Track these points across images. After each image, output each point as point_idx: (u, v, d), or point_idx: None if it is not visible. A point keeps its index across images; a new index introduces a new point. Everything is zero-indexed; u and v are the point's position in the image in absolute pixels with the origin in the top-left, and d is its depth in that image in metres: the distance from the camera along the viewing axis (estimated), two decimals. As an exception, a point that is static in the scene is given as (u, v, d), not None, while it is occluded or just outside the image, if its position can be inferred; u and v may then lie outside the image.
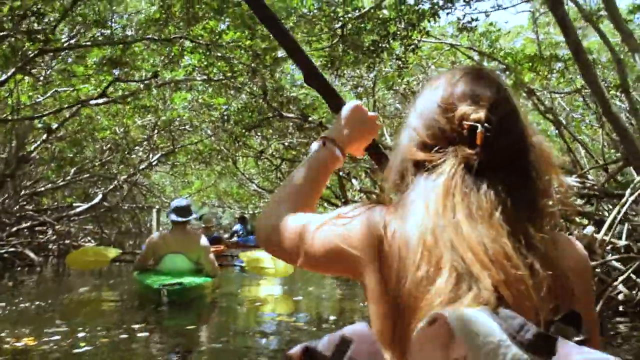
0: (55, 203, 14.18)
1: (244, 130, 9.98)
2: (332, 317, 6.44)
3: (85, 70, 9.88)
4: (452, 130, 0.91)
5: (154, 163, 13.40)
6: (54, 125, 10.66)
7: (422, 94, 1.00)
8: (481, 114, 0.89)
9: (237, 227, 16.28)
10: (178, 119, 11.35)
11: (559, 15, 6.18)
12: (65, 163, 14.39)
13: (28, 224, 11.05)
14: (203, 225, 12.91)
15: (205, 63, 9.39)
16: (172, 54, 9.64)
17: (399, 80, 9.80)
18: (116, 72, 10.68)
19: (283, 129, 12.24)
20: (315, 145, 1.18)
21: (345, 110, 1.20)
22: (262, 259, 7.52)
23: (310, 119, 8.37)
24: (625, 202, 6.11)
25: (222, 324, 6.07)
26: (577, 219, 6.72)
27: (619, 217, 6.06)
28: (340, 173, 12.12)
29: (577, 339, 0.73)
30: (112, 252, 8.34)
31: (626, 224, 6.58)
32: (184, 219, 6.89)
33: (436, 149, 0.92)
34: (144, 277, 6.64)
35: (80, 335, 5.03)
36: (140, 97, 10.60)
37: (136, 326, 5.41)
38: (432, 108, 0.96)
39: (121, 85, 10.88)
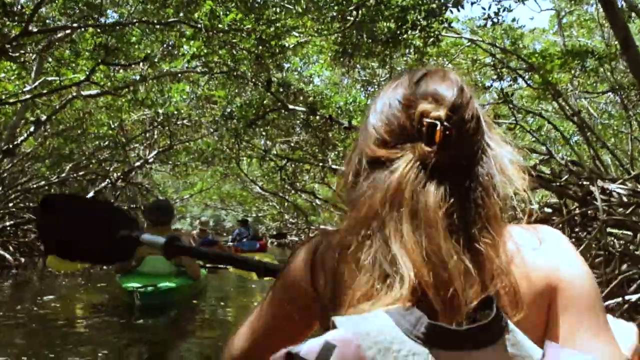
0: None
1: (246, 127, 9.17)
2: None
3: (76, 59, 9.15)
4: (411, 127, 0.90)
5: (150, 160, 12.56)
6: (43, 117, 9.90)
7: (383, 93, 0.99)
8: (442, 112, 0.88)
9: (238, 230, 16.04)
10: (176, 113, 10.52)
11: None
12: (60, 160, 13.69)
13: (12, 222, 10.24)
14: (199, 228, 12.50)
15: (206, 51, 8.62)
16: (171, 40, 8.88)
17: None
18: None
19: (288, 128, 11.48)
20: None
21: None
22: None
23: (318, 112, 7.52)
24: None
25: (196, 329, 5.76)
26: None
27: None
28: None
29: (486, 320, 0.74)
30: None
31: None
32: (161, 219, 6.68)
33: (394, 145, 0.91)
34: (123, 279, 6.44)
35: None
36: (136, 90, 9.83)
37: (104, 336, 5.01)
38: (392, 105, 0.94)
39: (116, 77, 10.13)
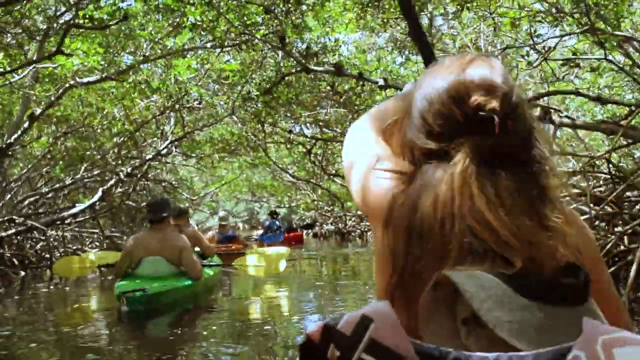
0: (55, 206, 12.32)
1: (262, 95, 7.90)
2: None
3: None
4: (465, 120, 0.90)
5: (163, 152, 11.38)
6: (37, 111, 8.80)
7: (429, 80, 0.97)
8: (495, 103, 0.89)
9: (269, 223, 15.32)
10: (184, 93, 9.27)
11: None
12: (74, 160, 12.71)
13: (14, 230, 9.21)
14: (218, 224, 11.56)
15: (210, 17, 7.35)
16: (174, 13, 7.64)
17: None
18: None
19: (313, 102, 10.19)
20: None
21: None
22: (253, 256, 7.28)
23: (345, 72, 6.12)
24: None
25: (196, 333, 5.18)
26: None
27: None
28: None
29: (577, 283, 0.78)
30: (103, 258, 7.52)
31: None
32: (160, 216, 6.31)
33: (448, 137, 0.91)
34: (118, 283, 6.10)
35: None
36: (136, 71, 8.66)
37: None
38: (442, 96, 0.93)
39: (117, 61, 8.97)
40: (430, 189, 0.88)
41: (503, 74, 0.92)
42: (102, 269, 7.67)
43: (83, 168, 13.51)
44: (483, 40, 9.90)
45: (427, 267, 0.83)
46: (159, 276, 6.13)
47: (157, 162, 14.33)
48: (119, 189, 14.34)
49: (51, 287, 8.74)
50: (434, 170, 0.89)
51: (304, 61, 6.22)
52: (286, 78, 10.27)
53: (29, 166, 14.15)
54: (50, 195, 13.98)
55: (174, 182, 19.89)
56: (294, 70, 6.96)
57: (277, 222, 16.12)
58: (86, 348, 4.57)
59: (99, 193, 10.63)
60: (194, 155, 16.43)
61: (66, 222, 10.65)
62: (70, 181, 12.67)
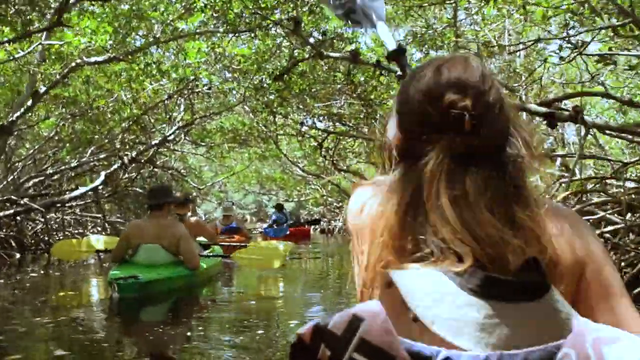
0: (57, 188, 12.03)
1: (274, 81, 7.54)
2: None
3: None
4: (439, 118, 0.91)
5: (170, 137, 11.06)
6: (42, 89, 8.52)
7: (408, 82, 0.98)
8: (467, 102, 0.90)
9: (276, 216, 15.09)
10: (193, 78, 8.93)
11: None
12: (82, 143, 12.45)
13: (11, 211, 8.94)
14: (222, 215, 11.37)
15: (221, 2, 7.02)
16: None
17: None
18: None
19: (327, 94, 9.82)
20: None
21: None
22: (252, 248, 7.13)
23: (362, 59, 5.74)
24: None
25: (190, 324, 5.04)
26: None
27: None
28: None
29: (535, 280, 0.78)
30: (103, 243, 7.33)
31: None
32: (157, 203, 6.16)
33: (422, 137, 0.92)
34: (114, 269, 6.01)
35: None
36: (145, 52, 8.35)
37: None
38: (418, 96, 0.95)
39: (125, 41, 8.66)
40: (400, 188, 0.91)
41: (481, 74, 0.93)
42: (101, 254, 7.54)
43: (90, 151, 13.30)
44: (507, 38, 9.50)
45: (387, 266, 0.85)
46: (155, 264, 5.98)
47: (165, 149, 14.01)
48: (127, 175, 14.16)
49: (49, 270, 8.57)
50: (407, 170, 0.92)
51: (318, 47, 5.86)
52: (300, 68, 9.94)
53: (36, 147, 13.99)
54: (56, 177, 13.79)
55: (182, 171, 19.64)
56: (307, 56, 6.59)
57: (282, 216, 15.85)
58: (72, 334, 4.49)
59: (102, 177, 10.36)
60: (203, 144, 16.20)
61: (67, 205, 10.36)
62: (76, 164, 12.40)
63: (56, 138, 13.48)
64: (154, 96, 9.89)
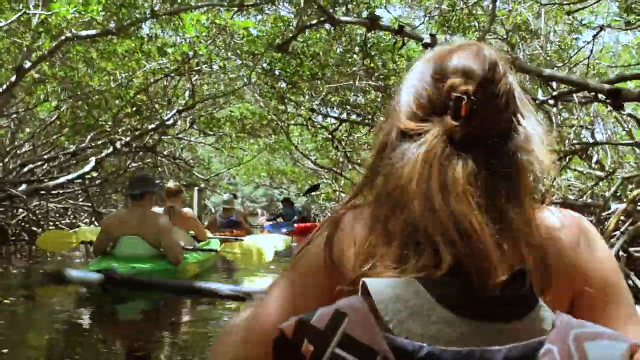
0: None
1: (277, 51, 6.72)
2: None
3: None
4: (439, 101, 0.90)
5: (169, 122, 10.24)
6: (27, 64, 7.75)
7: (415, 67, 0.99)
8: (470, 86, 0.89)
9: (284, 210, 14.53)
10: (191, 53, 8.07)
11: None
12: (83, 128, 11.70)
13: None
14: (222, 207, 10.96)
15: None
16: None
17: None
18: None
19: (341, 80, 8.99)
20: None
21: None
22: (241, 243, 6.83)
23: (381, 24, 4.85)
24: None
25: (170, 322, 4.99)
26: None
27: None
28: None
29: (521, 292, 0.75)
30: (89, 234, 7.07)
31: None
32: (138, 192, 5.85)
33: (424, 118, 0.91)
34: (94, 262, 5.73)
35: None
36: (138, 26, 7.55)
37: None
38: (423, 79, 0.94)
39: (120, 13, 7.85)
40: (398, 165, 0.89)
41: (491, 64, 0.91)
42: (89, 246, 7.04)
43: (89, 137, 12.57)
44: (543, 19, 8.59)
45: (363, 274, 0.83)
46: (136, 256, 5.73)
47: (167, 137, 13.26)
48: (134, 163, 13.48)
49: (30, 262, 8.00)
50: (406, 150, 0.89)
51: (329, 10, 5.00)
52: (312, 50, 9.09)
53: (35, 132, 13.31)
54: (55, 164, 13.10)
55: (190, 160, 18.91)
56: (315, 22, 5.72)
57: (291, 211, 15.25)
58: (46, 327, 4.45)
59: (92, 163, 9.62)
60: (211, 133, 15.52)
61: (52, 192, 9.62)
62: (72, 150, 11.65)
63: (58, 123, 12.86)
64: (151, 77, 9.08)
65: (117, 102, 10.62)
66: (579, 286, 0.88)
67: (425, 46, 4.25)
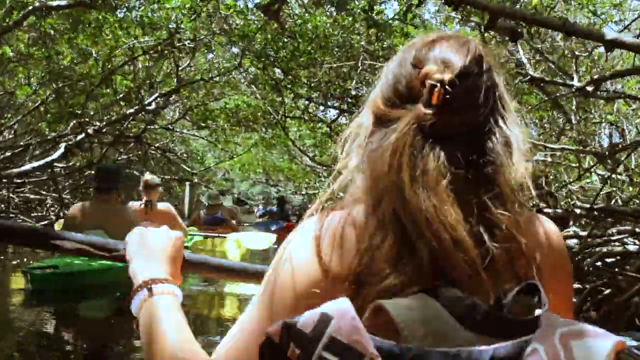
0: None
1: (261, 11, 6.00)
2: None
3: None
4: (415, 88, 0.88)
5: (150, 106, 9.38)
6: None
7: (398, 53, 0.98)
8: (446, 75, 0.85)
9: (273, 208, 14.84)
10: (173, 27, 7.23)
11: None
12: (67, 115, 10.88)
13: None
14: (207, 203, 10.58)
15: None
16: None
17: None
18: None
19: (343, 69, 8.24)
20: (136, 302, 1.02)
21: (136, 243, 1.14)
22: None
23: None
24: None
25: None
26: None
27: None
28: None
29: (538, 310, 0.72)
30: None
31: None
32: (102, 187, 5.76)
33: (399, 105, 0.89)
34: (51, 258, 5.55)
35: None
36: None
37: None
38: (403, 65, 0.93)
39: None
40: (373, 154, 0.87)
41: (474, 55, 0.88)
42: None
43: (71, 124, 11.74)
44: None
45: (364, 273, 0.81)
46: None
47: (155, 127, 12.48)
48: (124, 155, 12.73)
49: None
50: (377, 138, 0.88)
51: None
52: (310, 33, 8.27)
53: (19, 117, 12.52)
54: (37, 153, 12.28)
55: (183, 154, 18.10)
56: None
57: (280, 209, 15.18)
58: None
59: (61, 149, 8.77)
60: (204, 125, 14.76)
61: (15, 181, 8.80)
62: (47, 137, 10.85)
63: (42, 109, 12.08)
64: (130, 55, 8.26)
65: (105, 89, 9.83)
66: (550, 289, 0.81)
67: (446, 3, 3.41)
